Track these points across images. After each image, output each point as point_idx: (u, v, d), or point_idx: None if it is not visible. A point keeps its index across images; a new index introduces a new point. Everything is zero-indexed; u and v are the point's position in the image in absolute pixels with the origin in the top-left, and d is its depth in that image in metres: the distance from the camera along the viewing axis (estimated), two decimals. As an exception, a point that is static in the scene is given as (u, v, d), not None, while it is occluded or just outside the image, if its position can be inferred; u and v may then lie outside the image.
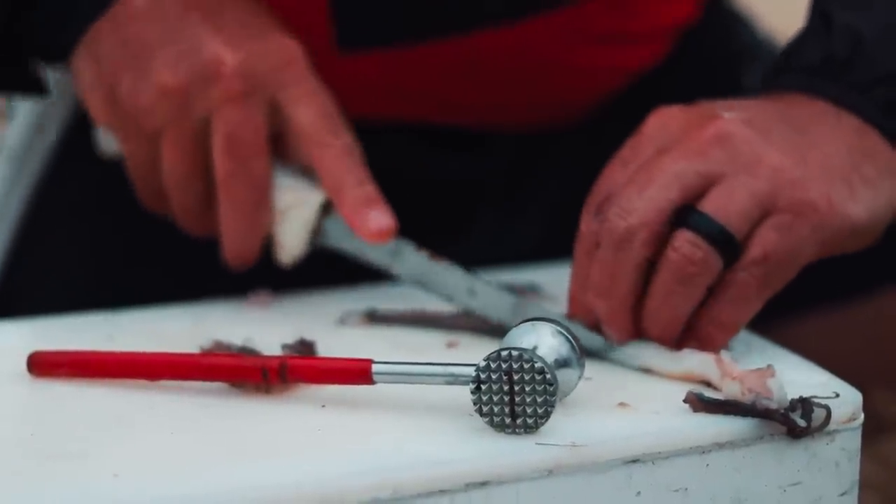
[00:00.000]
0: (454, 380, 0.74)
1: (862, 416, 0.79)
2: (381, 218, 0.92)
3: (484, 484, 0.71)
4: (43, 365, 0.83)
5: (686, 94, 1.22)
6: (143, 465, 0.71)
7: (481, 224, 1.18)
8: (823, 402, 0.77)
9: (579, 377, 0.77)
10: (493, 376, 0.73)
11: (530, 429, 0.73)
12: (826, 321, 1.21)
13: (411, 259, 0.94)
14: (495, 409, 0.73)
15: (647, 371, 0.83)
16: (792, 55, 0.91)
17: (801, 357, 0.85)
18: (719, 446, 0.75)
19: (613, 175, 0.85)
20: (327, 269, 1.04)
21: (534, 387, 0.72)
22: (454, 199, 1.18)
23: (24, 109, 1.18)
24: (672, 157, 0.82)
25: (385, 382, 0.76)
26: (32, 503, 0.67)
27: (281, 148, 0.95)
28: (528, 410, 0.73)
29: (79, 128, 1.16)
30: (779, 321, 1.20)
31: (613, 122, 1.20)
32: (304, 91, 0.93)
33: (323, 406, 0.78)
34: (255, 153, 0.92)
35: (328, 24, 1.07)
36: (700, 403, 0.77)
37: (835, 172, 0.84)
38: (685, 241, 0.81)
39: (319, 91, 0.94)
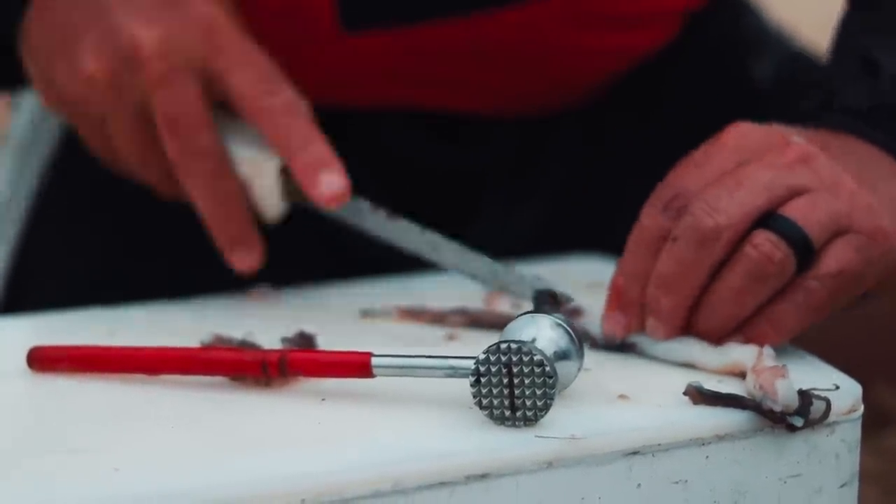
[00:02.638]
0: (454, 373, 0.74)
1: (862, 408, 0.79)
2: (332, 182, 0.91)
3: (484, 476, 0.71)
4: (43, 360, 0.83)
5: (693, 82, 1.22)
6: (144, 460, 0.71)
7: (485, 213, 1.18)
8: (823, 394, 0.77)
9: (579, 369, 0.77)
10: (493, 369, 0.73)
11: (530, 421, 0.73)
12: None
13: (370, 218, 0.94)
14: (495, 402, 0.73)
15: (688, 366, 0.83)
16: (836, 96, 0.91)
17: (802, 349, 0.85)
18: (719, 438, 0.76)
19: (685, 175, 0.85)
20: (326, 263, 1.04)
21: (533, 379, 0.73)
22: (458, 188, 1.18)
23: (29, 102, 1.18)
24: (760, 166, 0.83)
25: (385, 375, 0.76)
26: (33, 498, 0.67)
27: (235, 114, 0.94)
28: (528, 403, 0.73)
29: None
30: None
31: (616, 109, 1.20)
32: (233, 57, 0.92)
33: (323, 399, 0.78)
34: (197, 127, 0.91)
35: (331, 4, 1.07)
36: (700, 396, 0.77)
37: None
38: (766, 240, 0.81)
39: (249, 53, 0.92)
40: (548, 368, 0.72)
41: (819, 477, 0.78)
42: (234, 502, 0.68)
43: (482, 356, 0.73)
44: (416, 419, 0.75)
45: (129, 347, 0.83)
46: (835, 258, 0.82)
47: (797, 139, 0.85)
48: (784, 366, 0.77)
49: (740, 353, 0.81)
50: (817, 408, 0.76)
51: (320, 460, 0.71)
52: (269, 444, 0.73)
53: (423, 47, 1.10)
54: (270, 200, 0.94)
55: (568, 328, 0.76)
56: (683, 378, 0.78)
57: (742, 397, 0.76)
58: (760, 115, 0.89)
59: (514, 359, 0.73)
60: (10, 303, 1.17)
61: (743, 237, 0.82)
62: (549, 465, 0.73)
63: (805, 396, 0.76)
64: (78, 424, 0.76)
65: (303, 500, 0.69)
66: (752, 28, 1.28)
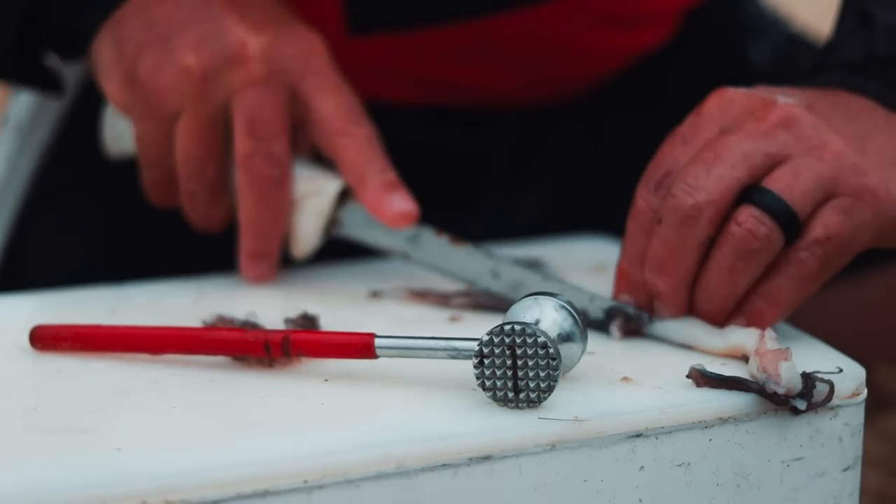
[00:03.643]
0: (457, 354, 0.74)
1: (865, 391, 0.79)
2: (403, 202, 0.93)
3: (487, 458, 0.71)
4: (45, 339, 0.83)
5: (693, 68, 1.22)
6: (147, 439, 0.71)
7: (488, 198, 1.18)
8: (827, 377, 0.77)
9: (582, 351, 0.77)
10: (496, 350, 0.73)
11: (533, 403, 0.73)
12: (832, 296, 1.21)
13: (430, 244, 0.94)
14: (498, 384, 0.73)
15: (688, 347, 0.83)
16: (832, 52, 0.91)
17: (805, 332, 0.85)
18: (722, 421, 0.75)
19: (673, 152, 0.85)
20: (329, 244, 1.04)
21: (537, 361, 0.72)
22: (461, 173, 1.18)
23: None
24: (739, 136, 0.83)
25: (388, 356, 0.76)
26: (36, 477, 0.67)
27: (296, 139, 0.96)
28: (531, 385, 0.73)
29: (82, 102, 1.16)
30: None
31: (618, 97, 1.20)
32: (327, 81, 0.94)
33: (326, 380, 0.78)
34: (275, 133, 0.92)
35: (339, 8, 1.07)
36: (703, 378, 0.77)
37: (890, 162, 0.84)
38: (750, 216, 0.81)
39: (341, 83, 0.95)
40: (551, 350, 0.72)
41: (822, 460, 0.78)
42: (236, 483, 0.68)
43: (486, 337, 0.73)
44: (418, 401, 0.75)
45: (131, 327, 0.83)
46: (822, 224, 0.82)
47: (782, 99, 0.84)
48: (787, 349, 0.76)
49: (742, 336, 0.81)
50: (820, 391, 0.76)
51: (323, 441, 0.71)
52: (272, 424, 0.73)
53: (428, 49, 1.10)
54: (315, 224, 0.95)
55: (572, 311, 0.76)
56: (686, 361, 0.78)
57: (745, 380, 0.76)
58: None
59: (518, 340, 0.72)
60: (9, 281, 1.17)
61: (728, 212, 0.81)
62: (552, 447, 0.73)
63: (808, 379, 0.76)
64: (80, 404, 0.76)
65: (305, 481, 0.69)
66: (750, 13, 1.28)
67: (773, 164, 0.82)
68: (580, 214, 1.18)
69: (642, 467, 0.74)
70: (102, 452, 0.69)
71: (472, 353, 0.73)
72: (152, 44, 0.93)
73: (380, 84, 1.13)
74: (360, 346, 0.76)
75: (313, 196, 0.95)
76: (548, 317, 0.76)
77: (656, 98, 1.21)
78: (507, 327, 0.72)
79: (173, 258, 1.09)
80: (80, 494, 0.66)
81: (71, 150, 1.17)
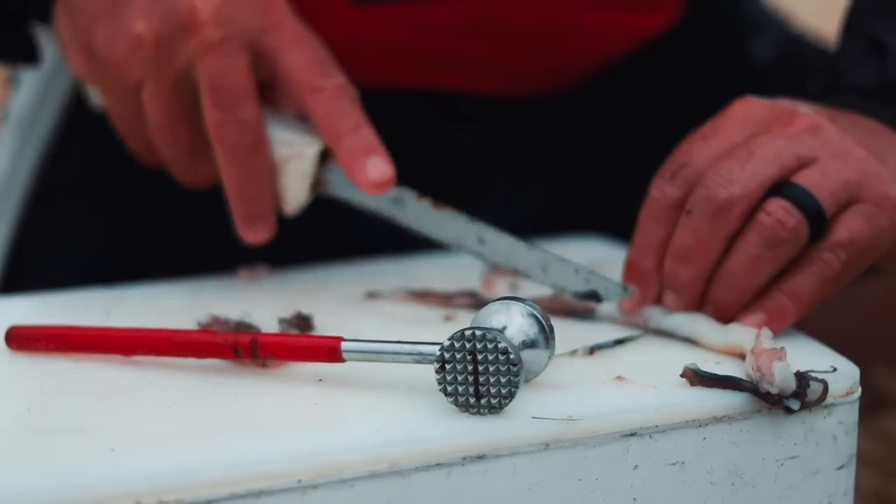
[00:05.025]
0: (422, 359, 0.74)
1: (860, 390, 0.79)
2: (378, 167, 0.89)
3: (481, 457, 0.71)
4: (21, 339, 0.83)
5: (691, 61, 1.22)
6: (141, 440, 0.71)
7: (487, 195, 1.18)
8: (821, 376, 0.77)
9: (549, 357, 0.76)
10: (458, 356, 0.72)
11: (494, 409, 0.72)
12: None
13: (413, 208, 0.92)
14: (460, 389, 0.72)
15: (691, 342, 0.83)
16: (842, 76, 0.91)
17: (800, 331, 0.85)
18: (716, 420, 0.76)
19: (692, 147, 0.86)
20: (326, 241, 1.04)
21: (498, 367, 0.72)
22: (461, 169, 1.18)
23: (30, 78, 1.17)
24: (769, 137, 0.84)
25: (354, 360, 0.75)
26: (30, 478, 0.67)
27: (272, 97, 0.93)
28: (493, 391, 0.72)
29: (83, 97, 1.16)
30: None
31: (618, 91, 1.20)
32: (289, 35, 0.91)
33: (320, 380, 0.78)
34: (241, 98, 0.90)
35: None
36: (697, 377, 0.77)
37: None
38: (779, 207, 0.82)
39: (304, 34, 0.92)
40: (512, 356, 0.71)
41: (816, 459, 0.78)
42: (231, 482, 0.68)
43: (447, 343, 0.72)
44: (412, 400, 0.75)
45: (104, 328, 0.82)
46: (846, 227, 0.83)
47: (805, 109, 0.85)
48: (782, 348, 0.76)
49: (741, 335, 0.81)
50: (814, 390, 0.76)
51: (317, 441, 0.71)
52: (267, 424, 0.73)
53: (431, 22, 1.09)
54: (300, 186, 0.93)
55: (540, 317, 0.75)
56: (680, 360, 0.78)
57: (739, 379, 0.76)
58: (760, 95, 0.89)
59: (479, 346, 0.72)
60: (12, 280, 1.17)
61: (756, 208, 0.82)
62: (546, 446, 0.73)
63: (802, 378, 0.76)
64: (74, 405, 0.76)
65: (299, 481, 0.69)
66: (751, 10, 1.28)
67: (802, 165, 0.83)
68: (579, 208, 1.19)
69: (636, 466, 0.74)
70: (97, 453, 0.69)
71: (434, 359, 0.73)
72: (103, 13, 0.91)
73: (382, 61, 1.12)
74: (327, 350, 0.76)
75: (294, 160, 0.92)
76: (514, 322, 0.75)
77: (655, 90, 1.22)
78: (468, 333, 0.72)
79: (177, 256, 1.09)
80: (75, 495, 0.66)
81: (72, 148, 1.17)
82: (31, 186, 1.18)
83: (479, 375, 0.72)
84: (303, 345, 0.77)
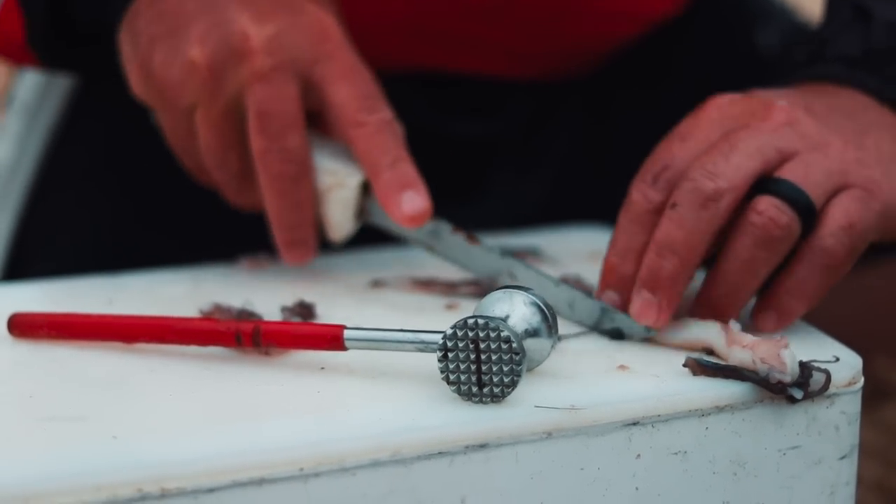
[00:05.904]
0: (424, 347, 0.74)
1: (862, 380, 0.79)
2: (414, 201, 0.90)
3: (483, 446, 0.71)
4: (23, 326, 0.83)
5: (697, 50, 1.22)
6: (143, 427, 0.71)
7: (493, 183, 1.18)
8: (823, 366, 0.77)
9: (552, 346, 0.76)
10: (460, 344, 0.72)
11: (497, 398, 0.72)
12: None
13: (448, 241, 0.92)
14: (462, 378, 0.72)
15: (649, 341, 0.83)
16: (827, 45, 0.91)
17: (802, 321, 0.85)
18: (719, 409, 0.75)
19: (671, 147, 0.84)
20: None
21: (500, 356, 0.72)
22: (467, 158, 1.17)
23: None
24: (750, 132, 0.83)
25: (357, 348, 0.75)
26: (32, 465, 0.67)
27: (322, 125, 0.94)
28: (495, 379, 0.72)
29: (87, 87, 1.16)
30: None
31: (624, 80, 1.20)
32: (339, 67, 0.91)
33: (322, 368, 0.78)
34: (287, 127, 0.90)
35: None
36: (699, 367, 0.77)
37: (888, 157, 0.85)
38: (770, 205, 0.81)
39: (355, 67, 0.92)
40: (514, 345, 0.71)
41: (818, 449, 0.78)
42: (233, 470, 0.68)
43: (450, 331, 0.72)
44: (415, 389, 0.75)
45: (105, 315, 0.82)
46: (843, 212, 0.82)
47: (781, 102, 0.84)
48: (784, 337, 0.76)
49: (703, 329, 0.81)
50: (817, 379, 0.76)
51: (319, 429, 0.71)
52: (268, 412, 0.73)
53: (440, 1, 1.09)
54: (343, 216, 0.93)
55: (543, 305, 0.75)
56: (683, 350, 0.78)
57: (741, 369, 0.76)
58: (766, 85, 0.89)
59: (482, 335, 0.72)
60: (15, 267, 1.17)
61: (741, 204, 0.81)
62: (549, 435, 0.73)
63: (805, 368, 0.76)
64: (76, 392, 0.76)
65: (301, 469, 0.69)
66: (757, 1, 1.28)
67: (784, 158, 0.83)
68: (584, 198, 1.18)
69: (639, 455, 0.74)
70: (99, 440, 0.69)
71: (437, 347, 0.73)
72: (162, 37, 0.92)
73: (389, 44, 1.11)
74: (330, 338, 0.76)
75: (336, 189, 0.93)
76: (517, 311, 0.75)
77: (662, 83, 1.21)
78: (471, 321, 0.72)
79: (180, 243, 1.09)
80: (76, 482, 0.66)
81: (76, 136, 1.17)
82: (35, 173, 1.18)
83: (481, 364, 0.72)
84: (305, 333, 0.77)
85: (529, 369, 0.75)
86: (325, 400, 0.74)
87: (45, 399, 0.75)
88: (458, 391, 0.73)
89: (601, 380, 0.76)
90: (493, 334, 0.72)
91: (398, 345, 0.75)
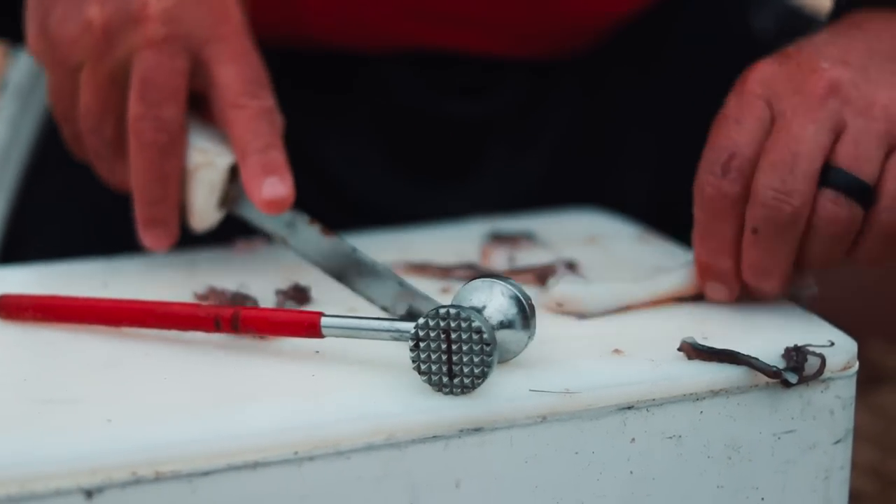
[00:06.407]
0: (399, 336, 0.73)
1: (857, 364, 0.79)
2: (275, 187, 0.89)
3: (478, 430, 0.72)
4: (9, 308, 0.83)
5: (692, 30, 1.22)
6: (137, 411, 0.71)
7: (489, 163, 1.18)
8: (818, 350, 0.77)
9: (529, 338, 0.75)
10: (432, 334, 0.71)
11: (467, 389, 0.72)
12: (829, 272, 1.22)
13: (304, 232, 0.90)
14: (433, 368, 0.72)
15: (626, 309, 0.83)
16: None
17: (798, 305, 0.85)
18: (713, 393, 0.76)
19: (731, 134, 0.84)
20: (324, 215, 1.03)
21: (471, 346, 0.71)
22: (462, 139, 1.17)
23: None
24: (800, 121, 0.83)
25: (334, 336, 0.75)
26: (27, 448, 0.67)
27: (206, 111, 0.93)
28: (466, 370, 0.71)
29: None
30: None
31: (618, 60, 1.19)
32: (230, 50, 0.91)
33: (317, 352, 0.77)
34: (167, 97, 0.90)
35: None
36: (694, 351, 0.77)
37: None
38: (828, 202, 0.82)
39: (246, 51, 0.92)
40: (486, 336, 0.71)
41: (813, 433, 0.78)
42: (227, 454, 0.68)
43: (422, 321, 0.71)
44: (409, 373, 0.74)
45: (89, 299, 0.82)
46: (893, 181, 0.83)
47: (822, 64, 0.85)
48: None
49: (671, 279, 0.82)
50: (812, 364, 0.76)
51: (314, 413, 0.71)
52: (263, 396, 0.73)
53: None
54: (208, 200, 0.92)
55: (521, 297, 0.74)
56: (678, 333, 0.78)
57: (737, 353, 0.76)
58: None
59: (453, 325, 0.71)
60: (10, 251, 1.17)
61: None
62: (543, 419, 0.73)
63: (800, 352, 0.76)
64: (71, 375, 0.76)
65: (296, 452, 0.69)
66: None
67: (836, 135, 0.83)
68: (580, 176, 1.18)
69: (633, 439, 0.74)
70: (93, 423, 0.69)
71: (409, 336, 0.72)
72: None
73: (385, 23, 1.11)
74: (307, 325, 0.76)
75: (205, 168, 0.91)
76: (494, 302, 0.74)
77: (656, 63, 1.21)
78: (443, 311, 0.71)
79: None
80: (71, 465, 0.66)
81: None
82: (29, 156, 1.17)
83: (452, 354, 0.71)
84: (283, 319, 0.77)
85: (505, 360, 0.75)
86: (320, 383, 0.74)
87: (39, 382, 0.75)
88: (430, 381, 0.72)
89: (596, 364, 0.76)
90: (464, 324, 0.71)
91: (374, 333, 0.74)
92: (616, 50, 1.19)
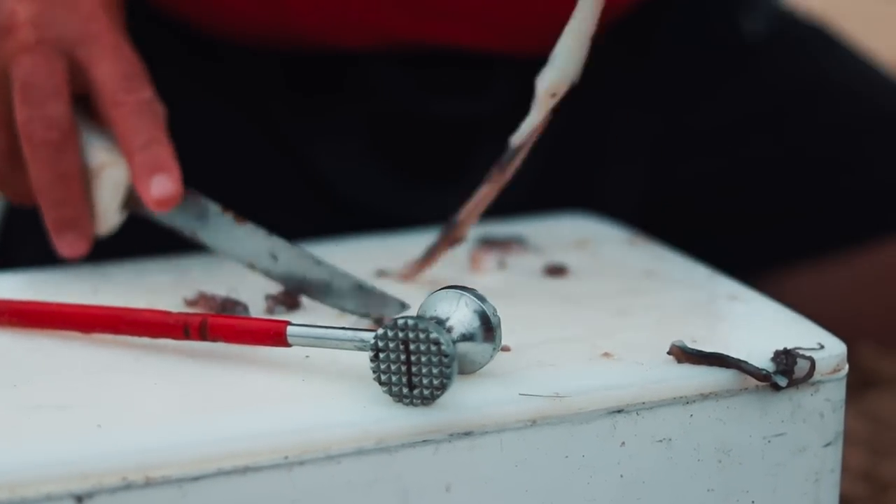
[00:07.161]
0: (363, 346, 0.72)
1: (847, 367, 0.79)
2: (163, 185, 0.88)
3: (468, 434, 0.71)
4: None
5: (681, 32, 1.22)
6: (127, 416, 0.71)
7: (480, 164, 1.18)
8: (808, 352, 0.77)
9: (494, 350, 0.74)
10: (391, 345, 0.71)
11: (427, 400, 0.71)
12: (816, 273, 1.22)
13: (217, 222, 0.90)
14: (393, 379, 0.71)
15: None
16: None
17: (787, 307, 0.85)
18: (703, 397, 0.76)
19: None
20: (318, 218, 1.03)
21: (430, 358, 0.70)
22: (452, 140, 1.17)
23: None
24: None
25: (299, 345, 0.75)
26: (16, 454, 0.67)
27: (93, 113, 0.93)
28: (425, 381, 0.71)
29: None
30: (768, 271, 1.21)
31: (607, 61, 1.20)
32: (103, 47, 0.91)
33: (307, 357, 0.77)
34: (50, 96, 0.89)
35: None
36: (684, 355, 0.77)
37: None
38: None
39: (119, 46, 0.92)
40: (444, 347, 0.70)
41: (803, 436, 0.78)
42: (217, 459, 0.68)
43: (381, 331, 0.71)
44: (400, 377, 0.75)
45: (60, 304, 0.82)
46: None
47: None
48: None
49: None
50: (801, 367, 0.77)
51: (304, 417, 0.71)
52: (253, 400, 0.73)
53: None
54: (113, 201, 0.91)
55: (486, 309, 0.73)
56: (668, 337, 0.78)
57: (726, 356, 0.76)
58: (750, 68, 0.89)
59: (412, 335, 0.70)
60: (3, 255, 1.17)
61: None
62: (533, 423, 0.73)
63: (789, 355, 0.76)
64: (61, 381, 0.76)
65: (286, 457, 0.69)
66: None
67: None
68: (573, 176, 1.18)
69: (623, 443, 0.74)
70: (83, 429, 0.69)
71: (368, 346, 0.72)
72: None
73: (375, 18, 1.11)
74: (273, 334, 0.75)
75: (110, 167, 0.90)
76: (458, 313, 0.73)
77: (645, 64, 1.21)
78: (401, 322, 0.70)
79: (164, 232, 1.08)
80: (61, 471, 0.66)
81: None
82: None
83: (411, 365, 0.71)
84: (250, 328, 0.76)
85: (470, 372, 0.74)
86: (310, 388, 0.74)
87: (28, 388, 0.75)
88: (390, 392, 0.71)
89: (585, 367, 0.76)
90: (422, 335, 0.70)
91: (338, 342, 0.73)
92: (604, 51, 1.19)
